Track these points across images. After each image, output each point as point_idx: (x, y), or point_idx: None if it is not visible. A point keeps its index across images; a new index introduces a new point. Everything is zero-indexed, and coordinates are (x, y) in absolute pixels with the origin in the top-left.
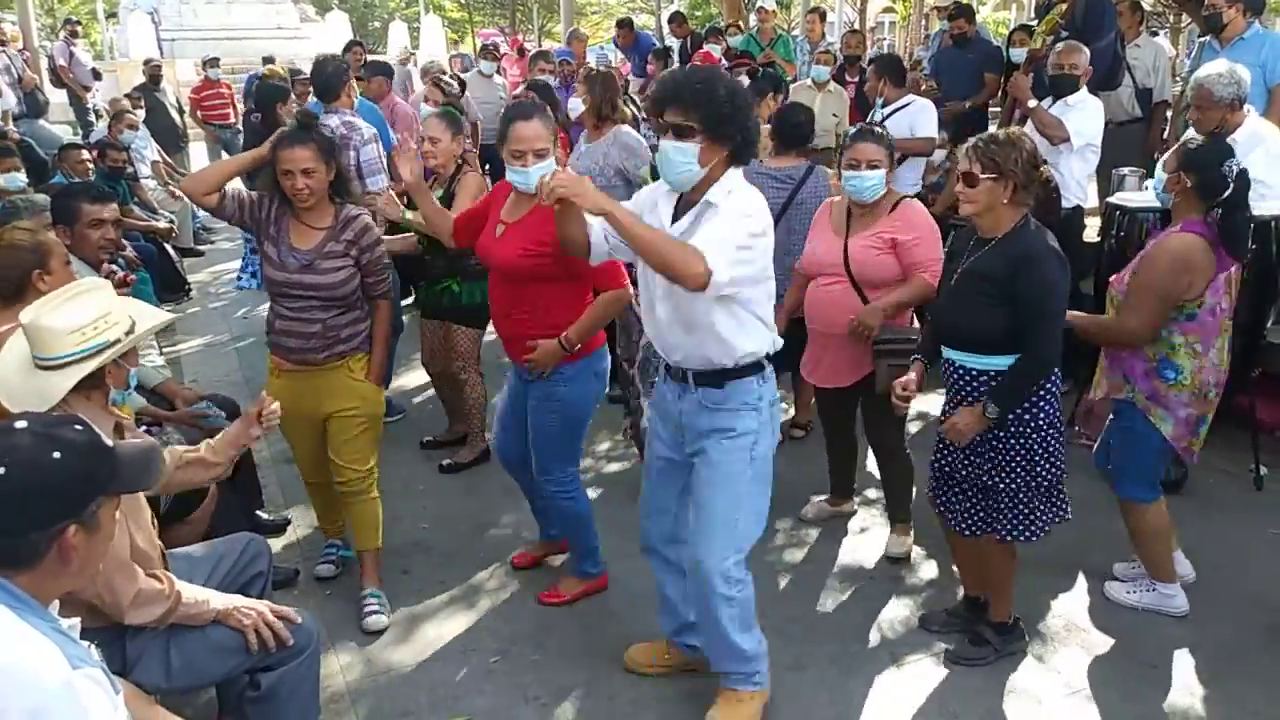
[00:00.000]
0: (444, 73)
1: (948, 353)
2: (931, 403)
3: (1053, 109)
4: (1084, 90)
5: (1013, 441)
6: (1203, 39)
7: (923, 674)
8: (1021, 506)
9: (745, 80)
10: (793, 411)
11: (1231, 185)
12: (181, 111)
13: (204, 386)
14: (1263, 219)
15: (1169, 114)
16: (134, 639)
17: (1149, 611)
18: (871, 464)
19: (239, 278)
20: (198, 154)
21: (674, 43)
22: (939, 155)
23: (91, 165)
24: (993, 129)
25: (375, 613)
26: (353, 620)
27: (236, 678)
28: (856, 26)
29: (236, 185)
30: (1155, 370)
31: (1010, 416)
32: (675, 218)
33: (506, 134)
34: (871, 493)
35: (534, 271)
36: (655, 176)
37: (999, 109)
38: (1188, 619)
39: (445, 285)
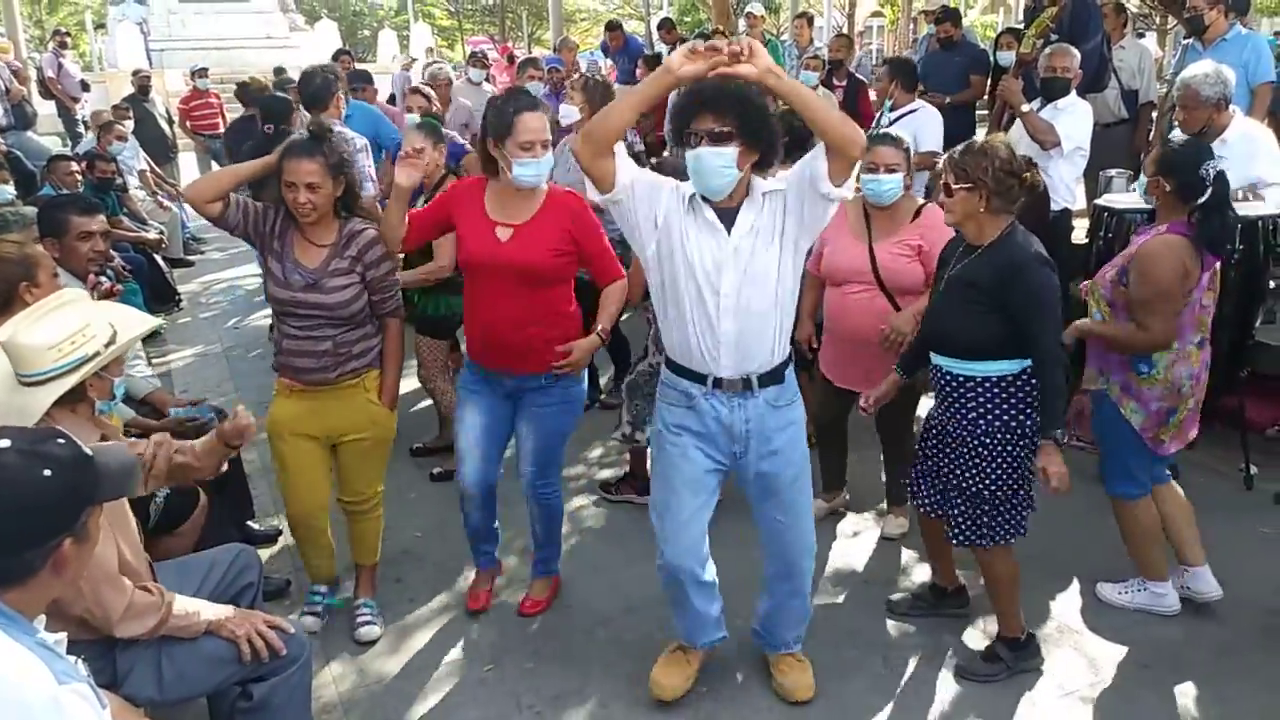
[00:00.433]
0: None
1: (936, 359)
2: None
3: (1042, 112)
4: (1073, 94)
5: (1000, 450)
6: (1187, 41)
7: (915, 676)
8: (1006, 510)
9: None
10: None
11: (1210, 188)
12: (171, 122)
13: (195, 396)
14: (1250, 219)
15: (1155, 115)
16: (124, 651)
17: (1141, 611)
18: (856, 464)
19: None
20: (187, 164)
21: (663, 49)
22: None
23: (80, 177)
24: (980, 134)
25: (369, 623)
26: (345, 630)
27: (228, 689)
28: (845, 31)
29: (242, 194)
30: (1130, 363)
31: (998, 424)
32: (726, 224)
33: (511, 125)
34: (861, 497)
35: (562, 271)
36: None
37: (987, 112)
38: (1180, 619)
39: (409, 296)
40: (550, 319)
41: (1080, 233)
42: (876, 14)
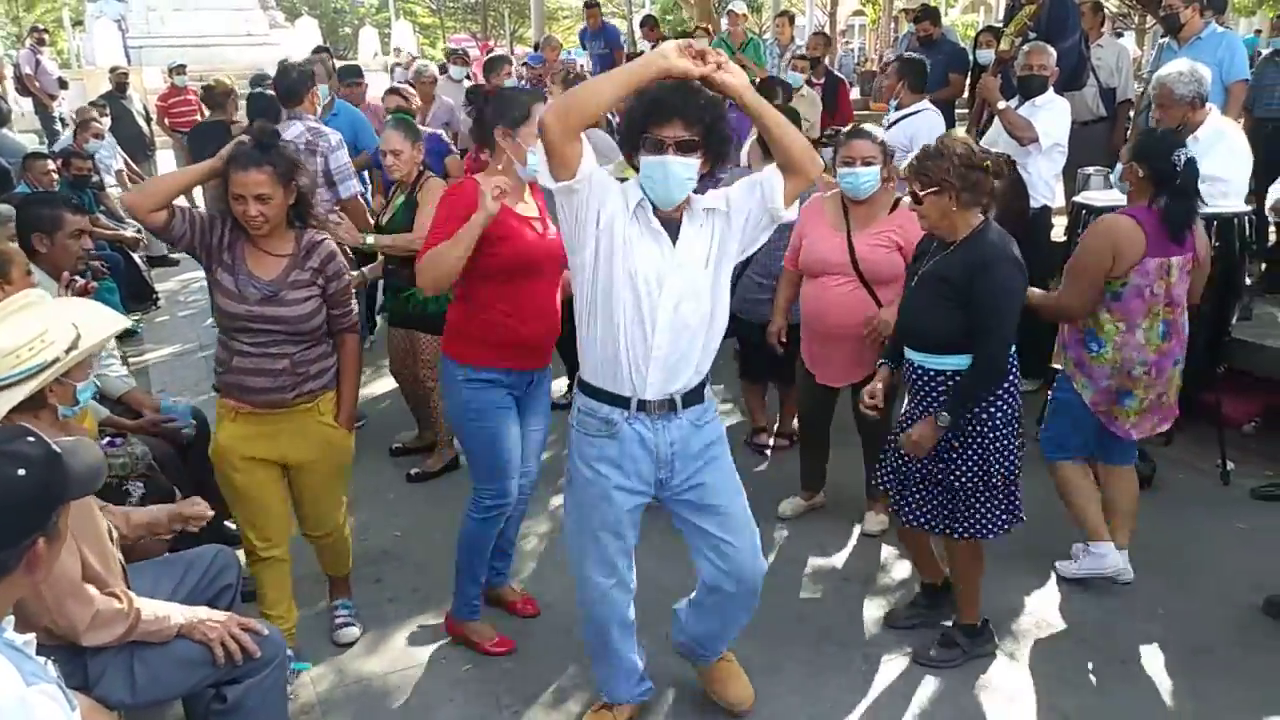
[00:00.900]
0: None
1: (908, 354)
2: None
3: (1020, 109)
4: (1051, 91)
5: (968, 439)
6: (1163, 39)
7: (895, 674)
8: (976, 505)
9: None
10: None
11: (1180, 174)
12: (149, 119)
13: (172, 396)
14: (1226, 215)
15: (1132, 113)
16: (95, 655)
17: (1093, 578)
18: (836, 462)
19: None
20: (165, 162)
21: (646, 47)
22: None
23: (56, 175)
24: (959, 131)
25: (347, 624)
26: (323, 630)
27: (202, 691)
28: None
29: (187, 203)
30: (1082, 340)
31: (968, 415)
32: (671, 235)
33: (529, 113)
34: (841, 494)
35: None
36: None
37: (967, 111)
38: (1157, 616)
39: (410, 293)
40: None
41: (1060, 230)
42: (858, 13)
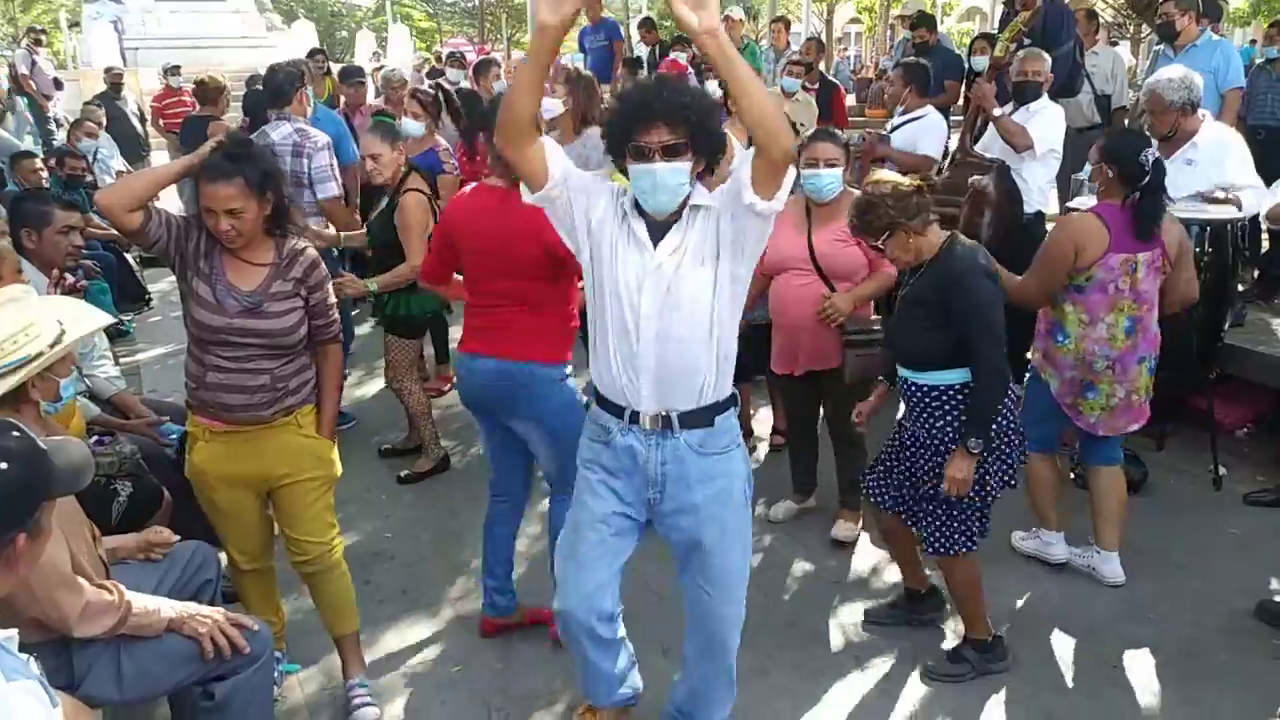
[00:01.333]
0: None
1: (902, 371)
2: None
3: (1015, 116)
4: (1045, 97)
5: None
6: (1159, 47)
7: (886, 676)
8: (968, 519)
9: (715, 87)
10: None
11: (1149, 174)
12: (143, 120)
13: (163, 396)
14: (1219, 222)
15: (1126, 120)
16: (82, 651)
17: (1033, 557)
18: (826, 467)
19: None
20: (160, 162)
21: (643, 50)
22: None
23: (45, 174)
24: (877, 171)
25: (366, 704)
26: (312, 633)
27: (189, 689)
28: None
29: (165, 205)
30: (1049, 331)
31: (959, 427)
32: (655, 240)
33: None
34: (832, 497)
35: None
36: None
37: (961, 118)
38: (1149, 618)
39: (389, 298)
40: None
41: None
42: (855, 20)
